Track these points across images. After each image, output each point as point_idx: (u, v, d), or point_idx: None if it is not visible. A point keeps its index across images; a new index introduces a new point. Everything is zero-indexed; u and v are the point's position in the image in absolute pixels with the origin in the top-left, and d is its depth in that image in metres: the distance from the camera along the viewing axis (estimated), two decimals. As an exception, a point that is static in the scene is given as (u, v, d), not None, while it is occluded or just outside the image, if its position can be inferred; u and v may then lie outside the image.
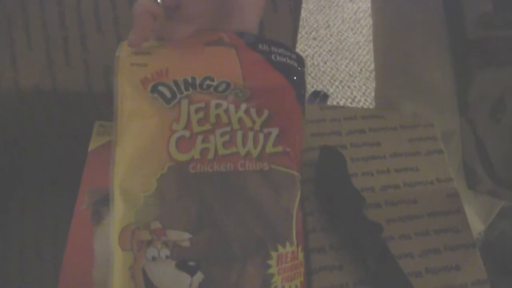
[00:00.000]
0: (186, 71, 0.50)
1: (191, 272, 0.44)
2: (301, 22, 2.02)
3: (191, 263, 0.44)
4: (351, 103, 1.91)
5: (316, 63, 2.04)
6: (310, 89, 1.93)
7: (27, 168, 0.76)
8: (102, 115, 0.64)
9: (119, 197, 0.46)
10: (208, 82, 0.49)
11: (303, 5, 2.09)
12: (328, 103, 1.89)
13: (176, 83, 0.49)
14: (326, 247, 0.58)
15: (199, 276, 0.44)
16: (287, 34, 0.68)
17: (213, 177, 0.47)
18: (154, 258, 0.44)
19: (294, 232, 0.48)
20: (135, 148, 0.47)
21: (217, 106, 0.49)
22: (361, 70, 2.03)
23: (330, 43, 2.13)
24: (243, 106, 0.49)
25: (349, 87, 1.97)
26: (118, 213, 0.46)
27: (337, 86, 1.97)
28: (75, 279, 0.52)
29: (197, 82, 0.49)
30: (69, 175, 0.61)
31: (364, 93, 1.94)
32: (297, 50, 0.60)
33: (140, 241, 0.45)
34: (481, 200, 0.84)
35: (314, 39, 2.14)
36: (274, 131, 0.49)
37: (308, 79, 1.95)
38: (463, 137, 0.72)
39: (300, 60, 0.54)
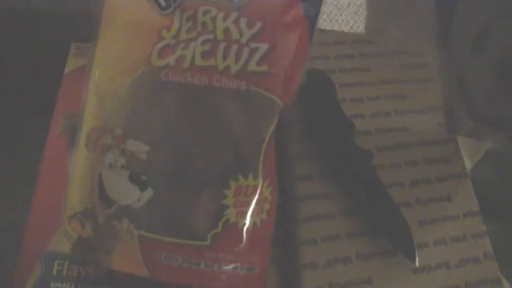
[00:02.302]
0: None
1: (142, 186, 0.42)
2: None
3: (143, 177, 0.42)
4: (338, 37, 1.88)
5: (303, -4, 2.00)
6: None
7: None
8: (80, 37, 0.60)
9: (92, 96, 0.44)
10: None
11: None
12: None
13: None
14: (312, 175, 0.55)
15: (148, 192, 0.42)
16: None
17: (185, 89, 0.43)
18: (110, 165, 0.43)
19: (260, 164, 0.44)
20: (117, 47, 0.44)
21: (205, 13, 0.44)
22: (349, 4, 1.98)
23: (318, -25, 2.08)
24: (233, 15, 0.45)
25: (336, 20, 1.93)
26: (89, 113, 0.44)
27: (324, 20, 1.92)
28: (49, 203, 0.50)
29: None
30: (43, 98, 0.58)
31: (352, 27, 1.90)
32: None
33: (102, 145, 0.43)
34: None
35: (302, -29, 2.09)
36: (262, 47, 0.45)
37: (295, 12, 1.91)
38: (443, 72, 0.69)
39: None
